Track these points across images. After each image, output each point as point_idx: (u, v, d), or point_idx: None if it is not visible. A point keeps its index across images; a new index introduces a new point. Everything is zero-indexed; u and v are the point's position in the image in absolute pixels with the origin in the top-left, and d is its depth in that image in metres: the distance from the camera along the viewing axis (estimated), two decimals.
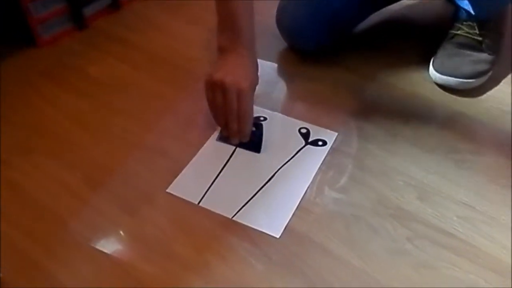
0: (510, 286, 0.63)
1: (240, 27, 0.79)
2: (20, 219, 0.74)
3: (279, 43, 1.03)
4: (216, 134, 0.84)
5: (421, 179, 0.77)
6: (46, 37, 1.05)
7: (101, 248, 0.69)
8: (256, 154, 0.81)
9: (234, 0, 0.79)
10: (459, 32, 0.94)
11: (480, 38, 0.92)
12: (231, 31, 0.80)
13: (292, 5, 0.97)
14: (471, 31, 0.93)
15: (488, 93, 0.91)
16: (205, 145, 0.83)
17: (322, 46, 1.00)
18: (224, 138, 0.82)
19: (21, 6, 0.98)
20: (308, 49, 1.01)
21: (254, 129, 0.81)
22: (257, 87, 0.93)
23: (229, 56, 0.79)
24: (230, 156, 0.81)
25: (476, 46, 0.92)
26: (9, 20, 1.03)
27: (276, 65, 1.00)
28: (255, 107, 0.88)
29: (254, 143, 0.81)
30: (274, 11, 0.99)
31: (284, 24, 0.99)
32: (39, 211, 0.75)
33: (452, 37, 0.94)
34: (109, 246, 0.70)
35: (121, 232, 0.72)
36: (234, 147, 0.82)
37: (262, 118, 0.87)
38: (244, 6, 0.80)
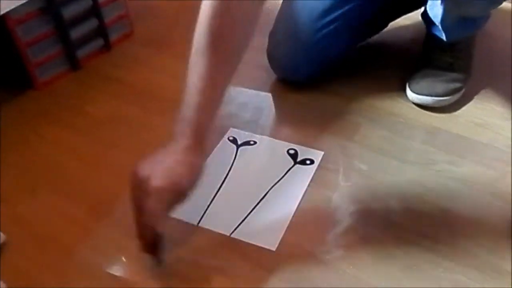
0: None
1: (196, 122, 0.69)
2: (28, 250, 0.77)
3: (270, 74, 1.07)
4: None
5: (404, 189, 0.82)
6: (43, 80, 1.10)
7: (109, 271, 0.73)
8: (249, 175, 0.85)
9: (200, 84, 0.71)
10: (432, 55, 1.01)
11: (451, 60, 0.99)
12: (186, 122, 0.70)
13: (284, 42, 1.01)
14: (443, 54, 1.00)
15: (462, 108, 0.97)
16: None
17: (313, 78, 1.04)
18: None
19: (19, 52, 1.03)
20: (299, 81, 1.04)
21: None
22: (247, 115, 0.98)
23: (171, 146, 0.70)
24: (225, 179, 0.85)
25: (448, 67, 0.98)
26: (8, 64, 1.08)
27: (263, 93, 1.04)
28: (245, 133, 0.93)
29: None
30: (263, 44, 1.04)
31: (276, 59, 1.03)
32: (46, 241, 0.78)
33: (426, 60, 1.01)
34: (117, 268, 0.73)
35: (124, 258, 0.75)
36: (228, 169, 0.87)
37: (252, 142, 0.92)
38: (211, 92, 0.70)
